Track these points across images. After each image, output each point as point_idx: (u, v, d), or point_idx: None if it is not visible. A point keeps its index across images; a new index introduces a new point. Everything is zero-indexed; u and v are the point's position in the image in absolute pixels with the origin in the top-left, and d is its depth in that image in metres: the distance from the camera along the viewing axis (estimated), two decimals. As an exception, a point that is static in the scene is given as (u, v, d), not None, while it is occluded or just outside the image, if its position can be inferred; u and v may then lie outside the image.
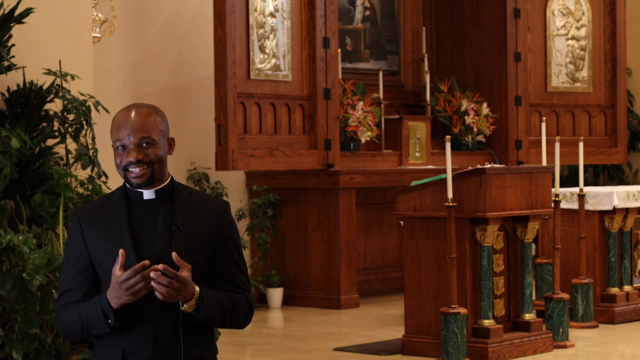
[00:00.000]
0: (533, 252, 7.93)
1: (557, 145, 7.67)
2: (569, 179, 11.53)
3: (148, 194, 3.28)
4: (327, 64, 9.00)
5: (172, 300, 3.13)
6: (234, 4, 8.34)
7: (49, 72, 5.91)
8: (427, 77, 10.28)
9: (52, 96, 5.89)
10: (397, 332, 7.44)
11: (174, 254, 3.11)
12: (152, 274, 3.09)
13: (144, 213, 3.26)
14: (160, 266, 3.09)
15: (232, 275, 3.33)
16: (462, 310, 6.42)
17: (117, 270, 3.12)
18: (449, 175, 6.50)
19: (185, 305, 3.16)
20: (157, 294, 3.11)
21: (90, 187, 5.91)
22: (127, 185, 3.30)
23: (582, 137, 7.99)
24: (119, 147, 3.23)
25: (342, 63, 9.75)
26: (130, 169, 3.23)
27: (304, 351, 7.12)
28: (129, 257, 3.17)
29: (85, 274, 3.28)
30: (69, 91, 5.93)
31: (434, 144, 10.02)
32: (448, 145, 6.60)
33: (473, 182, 6.60)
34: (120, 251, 3.13)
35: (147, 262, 3.11)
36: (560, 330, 7.15)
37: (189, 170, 9.11)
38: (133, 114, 3.24)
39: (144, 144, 3.22)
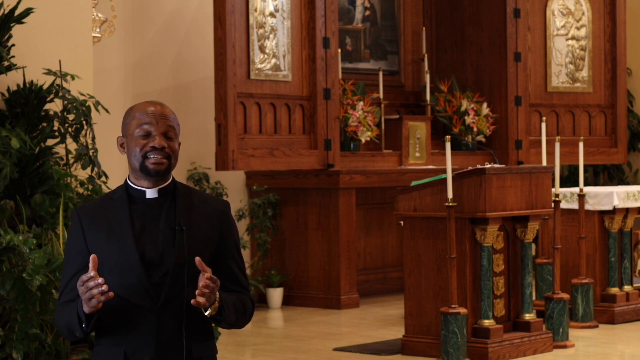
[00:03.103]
0: (533, 252, 7.92)
1: (557, 145, 7.66)
2: (569, 179, 11.53)
3: (151, 193, 3.25)
4: (327, 64, 9.00)
5: (208, 304, 3.10)
6: (234, 4, 8.34)
7: (49, 72, 5.91)
8: (427, 77, 10.27)
9: (52, 96, 5.88)
10: (397, 332, 7.44)
11: (197, 259, 3.07)
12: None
13: (146, 212, 3.24)
14: (208, 274, 3.06)
15: (236, 276, 3.32)
16: (462, 310, 6.41)
17: (87, 274, 3.05)
18: (449, 175, 6.50)
19: (209, 309, 3.14)
20: (199, 299, 3.05)
21: (90, 187, 5.91)
22: (129, 183, 3.28)
23: (582, 137, 7.99)
24: (142, 134, 3.22)
25: (342, 63, 9.74)
26: (150, 156, 3.20)
27: (304, 351, 7.12)
28: (132, 255, 3.16)
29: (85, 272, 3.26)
30: (69, 91, 5.92)
31: (434, 144, 10.02)
32: (448, 145, 6.60)
33: (473, 182, 6.60)
34: (92, 256, 3.05)
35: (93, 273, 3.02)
36: (560, 330, 7.15)
37: (189, 170, 9.11)
38: (154, 106, 3.26)
39: (168, 135, 3.24)
